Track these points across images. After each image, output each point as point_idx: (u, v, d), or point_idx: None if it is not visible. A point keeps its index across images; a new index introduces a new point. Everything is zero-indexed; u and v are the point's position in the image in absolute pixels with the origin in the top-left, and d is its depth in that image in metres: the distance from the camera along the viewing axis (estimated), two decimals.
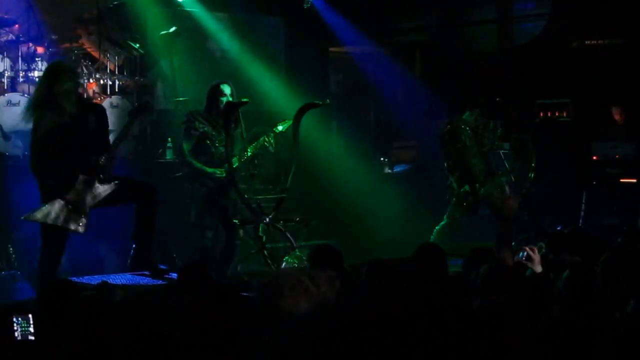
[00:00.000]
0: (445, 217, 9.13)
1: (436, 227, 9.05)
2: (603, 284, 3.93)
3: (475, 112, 9.16)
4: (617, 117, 10.07)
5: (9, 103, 8.60)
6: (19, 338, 4.30)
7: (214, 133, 7.85)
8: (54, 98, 6.65)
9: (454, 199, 9.16)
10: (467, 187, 8.99)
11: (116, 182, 6.83)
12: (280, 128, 8.19)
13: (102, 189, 6.77)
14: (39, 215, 6.62)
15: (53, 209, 6.62)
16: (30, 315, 4.34)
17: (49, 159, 6.61)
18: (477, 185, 8.99)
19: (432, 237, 8.82)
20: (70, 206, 6.64)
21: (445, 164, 9.31)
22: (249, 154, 8.04)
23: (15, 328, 4.31)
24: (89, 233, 6.91)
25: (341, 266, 5.08)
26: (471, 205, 9.11)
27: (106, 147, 6.85)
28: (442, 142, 9.32)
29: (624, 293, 3.78)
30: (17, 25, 9.35)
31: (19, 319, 4.31)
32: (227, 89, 7.88)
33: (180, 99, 9.74)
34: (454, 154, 9.10)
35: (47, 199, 6.65)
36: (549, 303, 3.93)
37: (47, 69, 7.33)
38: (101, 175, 6.72)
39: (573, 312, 3.80)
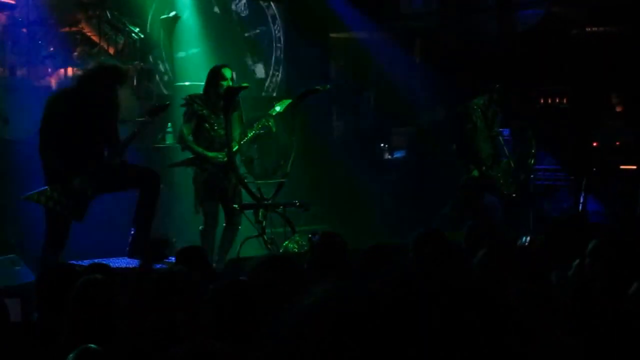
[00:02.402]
0: (450, 201, 9.08)
1: (440, 212, 9.00)
2: (598, 270, 3.95)
3: (485, 97, 9.08)
4: (617, 103, 10.06)
5: (9, 87, 8.59)
6: None
7: (212, 116, 7.82)
8: (84, 89, 6.64)
9: (460, 183, 9.11)
10: (475, 172, 8.93)
11: (119, 169, 6.82)
12: (277, 109, 8.14)
13: (106, 178, 6.77)
14: (39, 197, 6.62)
15: (54, 193, 6.62)
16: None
17: (58, 143, 6.60)
18: (484, 169, 8.93)
19: (435, 221, 8.77)
20: (71, 193, 6.64)
21: (454, 147, 9.25)
22: (249, 136, 8.03)
23: None
24: (91, 218, 6.92)
25: (343, 254, 5.07)
26: (478, 189, 9.03)
27: (114, 139, 6.85)
28: (452, 124, 9.25)
29: (621, 278, 3.79)
30: (16, 9, 9.32)
31: None
32: (228, 73, 7.84)
33: (180, 84, 9.71)
34: (463, 137, 9.02)
35: (50, 182, 6.65)
36: (555, 290, 3.94)
37: (113, 70, 7.00)
38: (107, 167, 6.72)
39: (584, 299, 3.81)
